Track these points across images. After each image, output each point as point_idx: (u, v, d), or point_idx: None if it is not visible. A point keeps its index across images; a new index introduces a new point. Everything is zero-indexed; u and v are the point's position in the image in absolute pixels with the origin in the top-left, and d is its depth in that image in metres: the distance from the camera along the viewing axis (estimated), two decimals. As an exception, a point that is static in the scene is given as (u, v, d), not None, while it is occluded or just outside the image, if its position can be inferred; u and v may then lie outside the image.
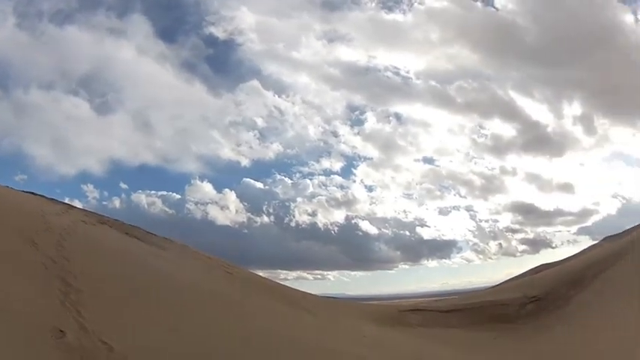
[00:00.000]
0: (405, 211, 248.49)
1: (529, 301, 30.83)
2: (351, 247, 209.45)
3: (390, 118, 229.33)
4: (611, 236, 51.48)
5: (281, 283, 32.64)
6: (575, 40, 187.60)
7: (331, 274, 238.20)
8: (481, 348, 24.96)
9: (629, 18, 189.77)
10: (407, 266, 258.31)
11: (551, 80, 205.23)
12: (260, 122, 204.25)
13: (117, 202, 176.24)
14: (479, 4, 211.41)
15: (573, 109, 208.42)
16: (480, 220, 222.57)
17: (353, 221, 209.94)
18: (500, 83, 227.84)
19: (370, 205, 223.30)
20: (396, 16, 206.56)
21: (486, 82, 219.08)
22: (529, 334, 26.37)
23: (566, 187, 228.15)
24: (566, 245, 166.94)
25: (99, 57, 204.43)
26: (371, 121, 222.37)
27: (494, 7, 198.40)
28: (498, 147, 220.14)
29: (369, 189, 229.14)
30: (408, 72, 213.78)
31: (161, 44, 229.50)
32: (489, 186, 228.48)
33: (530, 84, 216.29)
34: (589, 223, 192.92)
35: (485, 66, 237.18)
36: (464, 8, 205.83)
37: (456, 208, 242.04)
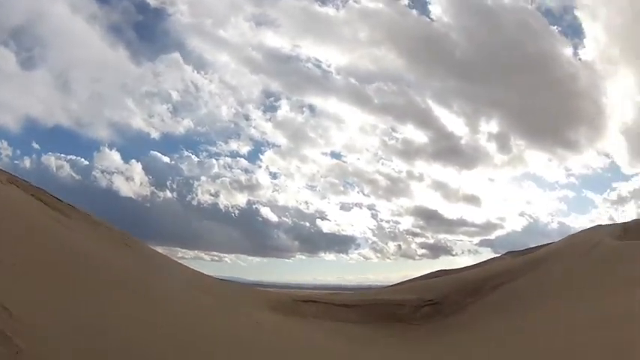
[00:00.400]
0: (306, 203, 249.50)
1: (425, 304, 30.94)
2: (250, 232, 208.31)
3: (304, 108, 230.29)
4: (513, 252, 52.98)
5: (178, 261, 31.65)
6: (504, 62, 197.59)
7: (228, 257, 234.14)
8: (374, 344, 24.36)
9: (567, 51, 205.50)
10: (304, 257, 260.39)
11: (472, 96, 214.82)
12: (175, 96, 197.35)
13: (27, 162, 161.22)
14: (414, 12, 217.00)
15: (490, 126, 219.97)
16: (381, 220, 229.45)
17: (254, 206, 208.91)
18: (420, 90, 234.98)
19: (273, 192, 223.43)
20: (329, 10, 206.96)
21: (406, 88, 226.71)
22: (423, 336, 26.29)
23: (473, 200, 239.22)
24: (466, 254, 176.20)
25: (34, 9, 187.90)
26: (284, 109, 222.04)
27: (430, 18, 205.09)
28: (408, 152, 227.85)
29: (274, 176, 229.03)
30: (329, 66, 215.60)
31: (94, 4, 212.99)
32: (394, 188, 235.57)
33: (450, 96, 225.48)
34: (492, 236, 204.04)
35: (408, 72, 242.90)
36: (398, 13, 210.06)
37: (359, 205, 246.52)
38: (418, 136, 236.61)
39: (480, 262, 53.78)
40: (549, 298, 24.90)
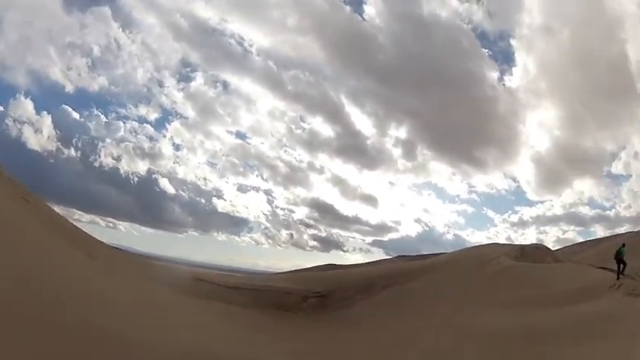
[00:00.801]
0: (205, 179, 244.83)
1: (312, 296, 31.29)
2: (146, 202, 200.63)
3: (218, 84, 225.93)
4: (405, 256, 56.34)
5: (74, 224, 28.99)
6: (426, 74, 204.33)
7: (123, 225, 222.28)
8: (262, 330, 24.13)
9: (492, 74, 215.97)
10: (196, 234, 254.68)
11: (387, 100, 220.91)
12: (96, 51, 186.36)
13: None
14: (348, 8, 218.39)
15: (399, 132, 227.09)
16: (277, 207, 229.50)
17: (154, 176, 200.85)
18: (335, 85, 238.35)
19: (174, 164, 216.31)
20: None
21: (322, 80, 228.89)
22: (309, 326, 26.46)
23: (370, 200, 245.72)
24: (357, 252, 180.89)
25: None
26: (198, 82, 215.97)
27: (362, 17, 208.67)
28: (312, 143, 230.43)
29: (177, 148, 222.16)
30: (251, 46, 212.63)
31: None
32: (293, 177, 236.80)
33: (364, 96, 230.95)
34: (385, 238, 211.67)
35: (328, 65, 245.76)
36: (331, 6, 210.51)
37: (256, 189, 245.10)
38: (325, 129, 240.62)
39: (372, 262, 56.12)
40: (440, 304, 26.20)
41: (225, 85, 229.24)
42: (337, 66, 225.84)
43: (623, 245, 22.86)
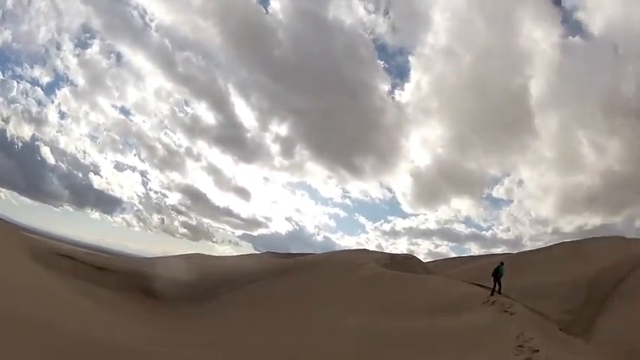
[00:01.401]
0: (84, 152, 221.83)
1: (179, 284, 30.26)
2: (28, 170, 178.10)
3: (112, 55, 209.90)
4: (274, 252, 55.34)
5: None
6: (317, 76, 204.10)
7: (4, 193, 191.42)
8: (125, 312, 23.47)
9: (384, 86, 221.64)
10: (71, 209, 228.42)
11: (273, 95, 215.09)
12: (8, 3, 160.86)
13: None
14: None
15: (280, 128, 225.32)
16: (150, 190, 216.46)
17: (37, 143, 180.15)
18: (225, 74, 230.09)
19: (57, 132, 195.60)
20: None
21: (214, 67, 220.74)
22: (172, 314, 26.14)
23: (244, 193, 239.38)
24: (227, 244, 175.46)
25: None
26: (94, 49, 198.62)
27: (266, 9, 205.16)
28: (193, 129, 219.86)
29: (62, 116, 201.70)
30: (152, 21, 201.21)
31: None
32: (170, 161, 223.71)
33: (252, 88, 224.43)
34: (255, 233, 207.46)
35: (223, 52, 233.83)
36: None
37: (132, 168, 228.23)
38: (208, 116, 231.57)
39: (240, 255, 55.60)
40: (306, 304, 26.88)
41: (119, 57, 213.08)
42: (231, 54, 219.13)
43: (502, 264, 24.21)
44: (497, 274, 23.80)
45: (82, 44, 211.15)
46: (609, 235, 58.08)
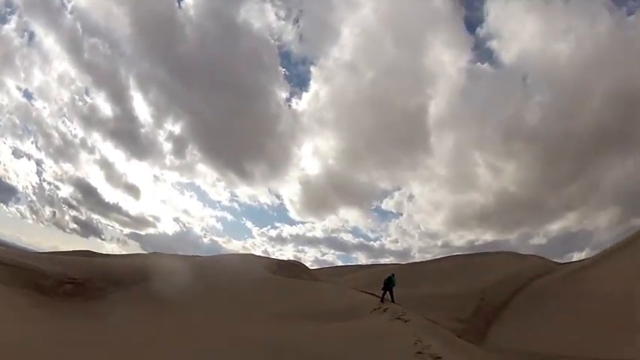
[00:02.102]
0: None
1: (68, 281, 28.58)
2: None
3: (26, 33, 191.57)
4: (160, 253, 53.53)
5: None
6: (217, 77, 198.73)
7: None
8: (12, 308, 21.97)
9: (282, 94, 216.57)
10: None
11: (171, 92, 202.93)
12: None
13: None
14: None
15: (175, 127, 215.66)
16: (44, 180, 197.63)
17: None
18: (129, 65, 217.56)
19: None
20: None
21: (118, 57, 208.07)
22: (61, 312, 24.24)
23: (133, 190, 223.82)
24: (115, 242, 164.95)
25: None
26: (11, 26, 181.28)
27: (179, 4, 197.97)
28: (91, 120, 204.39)
29: None
30: (69, 1, 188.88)
31: None
32: (65, 151, 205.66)
33: (152, 83, 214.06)
34: (143, 232, 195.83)
35: (130, 43, 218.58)
36: None
37: (29, 156, 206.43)
38: (106, 108, 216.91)
39: (128, 254, 54.92)
40: (192, 307, 26.63)
41: (32, 36, 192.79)
42: (138, 46, 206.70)
43: (393, 275, 24.94)
44: (388, 284, 24.47)
45: (1, 19, 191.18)
46: (502, 251, 62.71)
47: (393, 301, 24.30)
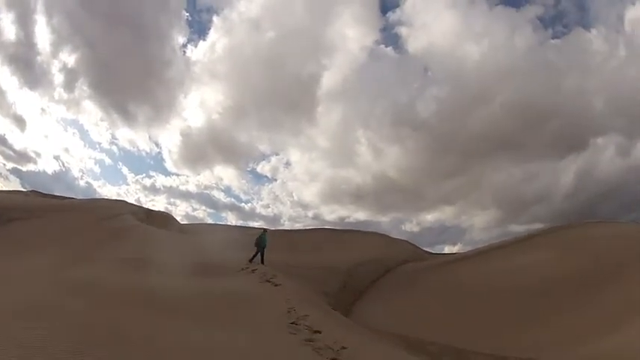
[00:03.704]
0: None
1: None
2: None
3: None
4: (39, 192, 50.67)
5: None
6: (119, 14, 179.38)
7: None
8: None
9: (180, 40, 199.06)
10: None
11: (75, 21, 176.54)
12: None
13: None
14: None
15: (70, 58, 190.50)
16: None
17: None
18: None
19: None
20: None
21: None
22: None
23: (20, 121, 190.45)
24: None
25: None
26: None
27: None
28: None
29: None
30: None
31: None
32: None
33: (59, 8, 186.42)
34: (24, 168, 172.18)
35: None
36: None
37: None
38: (10, 30, 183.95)
39: (7, 191, 52.14)
40: (51, 249, 23.51)
41: None
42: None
43: (265, 231, 22.37)
44: (260, 243, 21.90)
45: None
46: (373, 231, 62.71)
47: (262, 262, 21.44)
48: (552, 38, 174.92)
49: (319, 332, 9.66)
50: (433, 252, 60.20)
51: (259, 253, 21.65)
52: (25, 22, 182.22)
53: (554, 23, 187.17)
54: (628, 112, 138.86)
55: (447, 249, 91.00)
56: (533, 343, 20.06)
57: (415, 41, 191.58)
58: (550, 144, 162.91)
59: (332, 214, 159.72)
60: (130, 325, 9.14)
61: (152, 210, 49.42)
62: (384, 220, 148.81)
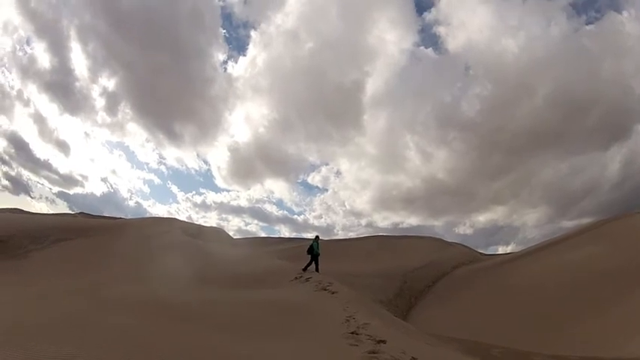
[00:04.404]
0: None
1: None
2: None
3: None
4: (87, 214, 53.08)
5: None
6: (156, 34, 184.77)
7: None
8: None
9: (219, 56, 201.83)
10: None
11: (110, 45, 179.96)
12: None
13: None
14: None
15: (110, 82, 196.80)
16: None
17: None
18: (72, 15, 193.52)
19: None
20: None
21: (63, 6, 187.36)
22: None
23: (64, 147, 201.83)
24: (44, 201, 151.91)
25: None
26: None
27: None
28: (27, 70, 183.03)
29: None
30: None
31: None
32: (1, 103, 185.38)
33: (92, 34, 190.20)
34: (71, 191, 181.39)
35: None
36: None
37: None
38: (44, 58, 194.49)
39: (55, 214, 56.12)
40: (101, 266, 23.92)
41: None
42: None
43: (317, 238, 21.47)
44: (312, 251, 20.78)
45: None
46: (427, 236, 61.16)
47: (317, 270, 20.55)
48: (586, 24, 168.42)
49: (384, 342, 8.63)
50: (487, 253, 58.50)
51: (313, 262, 20.86)
52: (59, 50, 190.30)
53: (587, 9, 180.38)
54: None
55: (501, 249, 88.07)
56: (589, 340, 19.23)
57: (454, 40, 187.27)
58: (593, 134, 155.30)
59: (385, 221, 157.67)
60: (167, 338, 8.65)
61: (203, 226, 49.46)
62: (436, 224, 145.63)
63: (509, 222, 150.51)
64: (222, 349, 8.14)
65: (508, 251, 60.98)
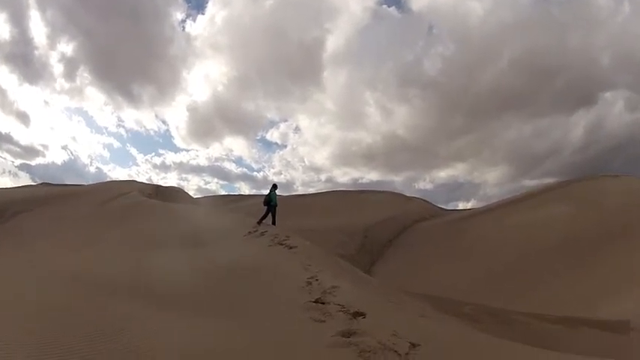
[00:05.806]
0: None
1: None
2: None
3: None
4: (49, 184, 49.76)
5: None
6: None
7: None
8: None
9: (177, 15, 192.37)
10: None
11: (69, 11, 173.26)
12: None
13: None
14: None
15: (68, 48, 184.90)
16: None
17: None
18: None
19: None
20: None
21: None
22: None
23: (24, 118, 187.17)
24: (7, 175, 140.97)
25: None
26: None
27: None
28: None
29: None
30: None
31: None
32: None
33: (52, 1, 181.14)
34: (33, 162, 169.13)
35: None
36: None
37: None
38: (4, 30, 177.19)
39: (17, 187, 51.56)
40: (54, 236, 22.45)
41: None
42: None
43: (275, 187, 18.64)
44: (269, 202, 17.96)
45: None
46: (387, 191, 59.43)
47: (274, 223, 17.73)
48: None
49: (362, 315, 5.92)
50: (447, 208, 57.30)
51: (270, 213, 17.98)
52: (18, 20, 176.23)
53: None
54: (636, 68, 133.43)
55: (461, 205, 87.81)
56: (561, 301, 18.91)
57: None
58: (559, 100, 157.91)
59: (345, 177, 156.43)
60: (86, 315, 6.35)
61: (161, 186, 47.20)
62: (396, 180, 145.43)
63: (470, 179, 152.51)
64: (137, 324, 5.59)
65: (468, 207, 60.34)
